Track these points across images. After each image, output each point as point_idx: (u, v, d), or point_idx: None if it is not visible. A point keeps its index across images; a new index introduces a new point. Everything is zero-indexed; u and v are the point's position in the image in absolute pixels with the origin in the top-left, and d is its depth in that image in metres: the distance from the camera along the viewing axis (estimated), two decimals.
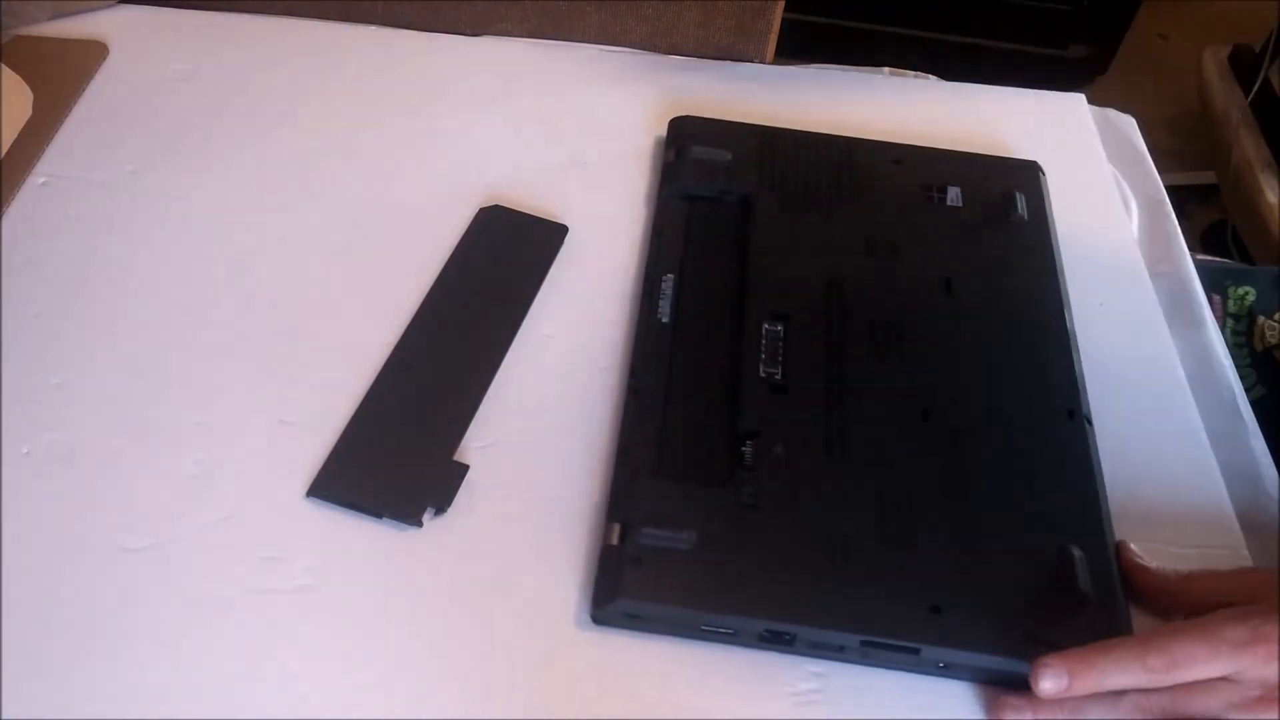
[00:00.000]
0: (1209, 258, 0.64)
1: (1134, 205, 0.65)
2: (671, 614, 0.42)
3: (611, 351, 0.53)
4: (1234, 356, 0.63)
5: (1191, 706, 0.39)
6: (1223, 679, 0.39)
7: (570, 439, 0.49)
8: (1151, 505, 0.49)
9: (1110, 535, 0.45)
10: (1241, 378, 0.57)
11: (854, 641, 0.42)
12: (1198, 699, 0.39)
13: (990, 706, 0.42)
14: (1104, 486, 0.47)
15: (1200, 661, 0.39)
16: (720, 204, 0.58)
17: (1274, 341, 0.71)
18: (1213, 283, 0.61)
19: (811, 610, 0.42)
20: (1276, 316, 0.72)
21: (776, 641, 0.42)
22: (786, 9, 0.69)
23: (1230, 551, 0.48)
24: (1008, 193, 0.59)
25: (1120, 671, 0.39)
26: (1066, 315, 0.54)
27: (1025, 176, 0.61)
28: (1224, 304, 0.61)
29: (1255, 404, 0.56)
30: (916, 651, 0.41)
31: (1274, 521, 0.50)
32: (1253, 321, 0.72)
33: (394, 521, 0.46)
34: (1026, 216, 0.58)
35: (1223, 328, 0.70)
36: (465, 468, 0.48)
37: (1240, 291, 0.73)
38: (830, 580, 0.43)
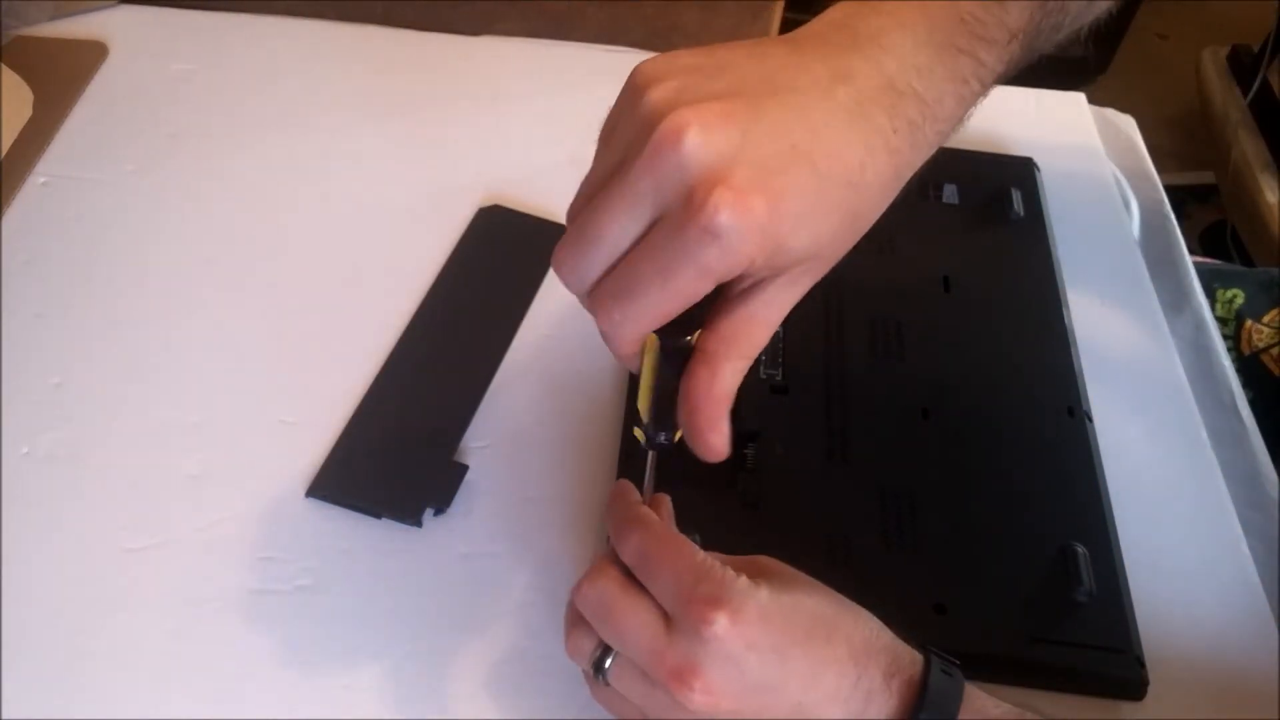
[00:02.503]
0: (1198, 259, 0.65)
1: (1134, 205, 0.65)
2: None
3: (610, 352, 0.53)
4: None
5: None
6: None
7: (570, 439, 0.49)
8: (1151, 505, 0.49)
9: (1113, 531, 0.45)
10: None
11: None
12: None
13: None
14: (1105, 482, 0.47)
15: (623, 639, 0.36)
16: None
17: (1262, 345, 0.70)
18: (1201, 285, 0.62)
19: None
20: (1265, 319, 0.72)
21: None
22: (786, 9, 0.70)
23: (1231, 551, 0.48)
24: (1003, 189, 0.59)
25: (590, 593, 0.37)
26: (1064, 311, 0.54)
27: (1021, 173, 0.61)
28: (1211, 307, 0.61)
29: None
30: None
31: (1274, 522, 0.50)
32: (1240, 324, 0.72)
33: (394, 521, 0.46)
34: (1022, 213, 0.58)
35: None
36: (465, 468, 0.47)
37: (1229, 294, 0.73)
38: (834, 581, 0.43)
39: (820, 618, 0.36)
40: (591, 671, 0.37)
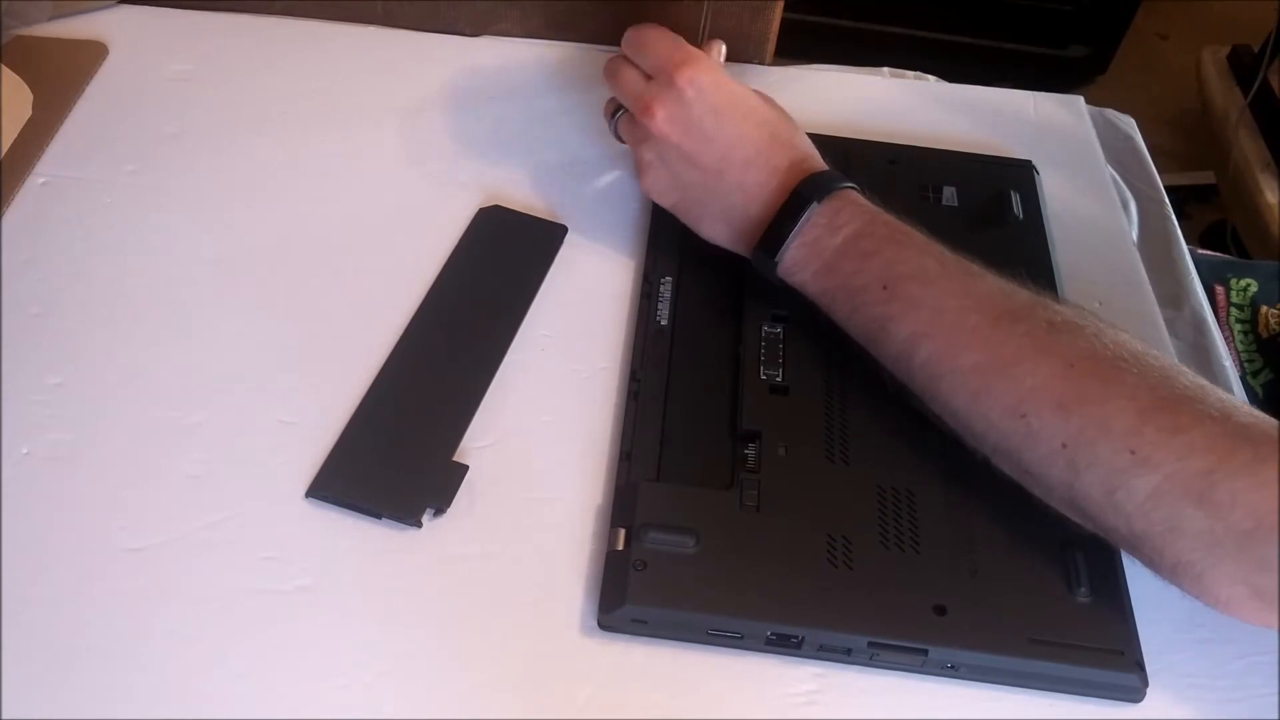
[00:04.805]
0: (1209, 252, 0.66)
1: (1133, 205, 0.66)
2: (678, 619, 0.42)
3: (611, 351, 0.53)
4: (1241, 343, 0.64)
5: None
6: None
7: (570, 439, 0.49)
8: None
9: None
10: (1249, 363, 0.58)
11: (862, 643, 0.42)
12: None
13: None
14: None
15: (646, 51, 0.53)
16: None
17: (1278, 328, 0.73)
18: (1215, 274, 0.62)
19: (818, 612, 0.42)
20: (1279, 305, 0.75)
21: (783, 645, 0.42)
22: (786, 9, 0.69)
23: None
24: (1002, 192, 0.59)
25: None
26: None
27: (1020, 175, 0.61)
28: (1227, 294, 0.62)
29: (1265, 388, 0.57)
30: (924, 652, 0.41)
31: None
32: (1256, 310, 0.75)
33: (393, 522, 0.46)
34: (1021, 215, 0.58)
35: (1227, 317, 0.72)
36: (465, 468, 0.48)
37: (1242, 283, 0.76)
38: (835, 582, 0.43)
39: (762, 110, 0.51)
40: (610, 125, 0.56)
